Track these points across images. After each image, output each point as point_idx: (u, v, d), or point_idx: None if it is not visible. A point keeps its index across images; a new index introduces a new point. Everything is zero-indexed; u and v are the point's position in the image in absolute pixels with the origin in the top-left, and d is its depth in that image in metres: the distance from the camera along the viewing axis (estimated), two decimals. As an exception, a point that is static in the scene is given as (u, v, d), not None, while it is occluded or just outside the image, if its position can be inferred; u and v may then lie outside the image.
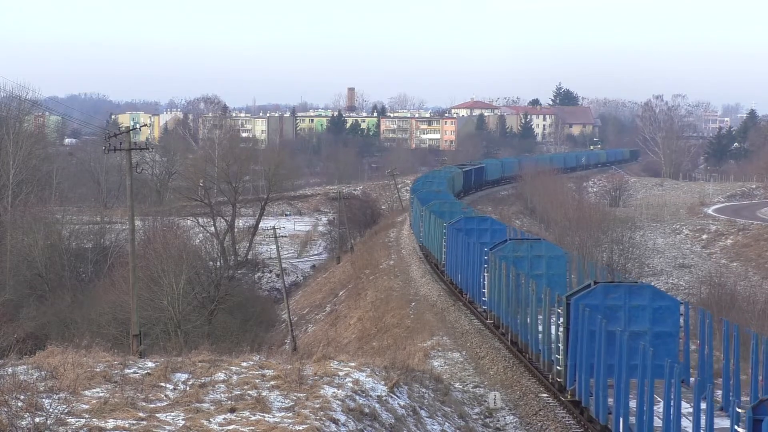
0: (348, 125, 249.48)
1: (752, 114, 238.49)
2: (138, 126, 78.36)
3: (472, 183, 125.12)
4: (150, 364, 29.85)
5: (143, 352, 40.37)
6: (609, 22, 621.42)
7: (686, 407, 24.00)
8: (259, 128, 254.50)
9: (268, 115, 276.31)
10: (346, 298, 78.48)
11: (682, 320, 30.81)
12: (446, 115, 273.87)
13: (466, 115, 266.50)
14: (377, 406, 28.65)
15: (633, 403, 25.31)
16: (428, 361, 43.91)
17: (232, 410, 24.99)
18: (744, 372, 29.78)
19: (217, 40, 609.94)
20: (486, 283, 45.78)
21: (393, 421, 28.50)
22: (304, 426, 24.13)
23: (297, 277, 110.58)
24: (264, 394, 26.78)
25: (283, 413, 25.24)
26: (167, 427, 23.23)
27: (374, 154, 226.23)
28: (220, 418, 24.23)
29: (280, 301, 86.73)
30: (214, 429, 23.39)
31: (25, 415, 22.21)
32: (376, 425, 27.38)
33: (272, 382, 28.29)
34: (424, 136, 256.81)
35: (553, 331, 33.50)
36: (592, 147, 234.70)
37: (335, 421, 25.47)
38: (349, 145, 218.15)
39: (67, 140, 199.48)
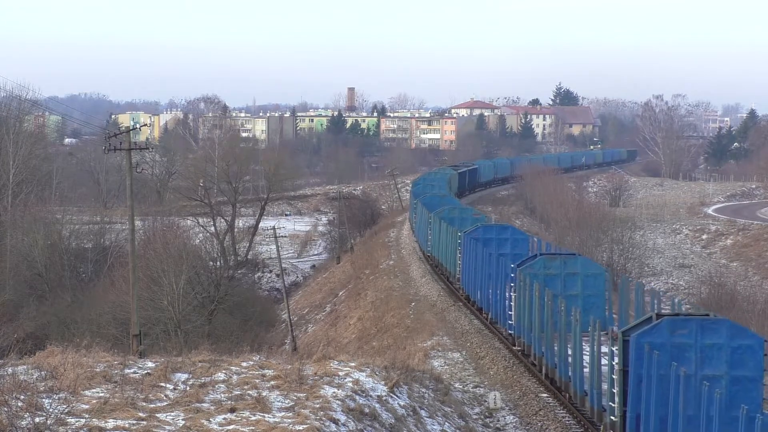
0: (348, 125, 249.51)
1: (752, 114, 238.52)
2: (138, 126, 78.23)
3: (466, 184, 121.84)
4: (150, 364, 29.84)
5: (143, 352, 40.36)
6: (609, 22, 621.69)
7: None
8: (259, 128, 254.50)
9: (268, 115, 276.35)
10: (346, 298, 78.47)
11: None
12: (446, 115, 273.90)
13: (466, 115, 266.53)
14: (377, 406, 28.65)
15: None
16: (428, 361, 43.89)
17: (232, 410, 24.99)
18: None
19: (217, 40, 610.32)
20: (512, 304, 40.25)
21: (393, 421, 28.50)
22: (304, 426, 24.13)
23: (297, 277, 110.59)
24: (264, 394, 26.78)
25: (283, 413, 25.24)
26: (167, 427, 23.23)
27: (374, 154, 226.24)
28: (220, 418, 24.23)
29: (280, 301, 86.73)
30: (214, 429, 23.39)
31: (25, 415, 22.21)
32: (376, 425, 27.38)
33: (272, 382, 28.28)
34: (424, 136, 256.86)
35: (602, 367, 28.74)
36: (592, 147, 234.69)
37: (335, 421, 25.47)
38: (349, 145, 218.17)
39: (67, 140, 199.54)
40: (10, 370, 26.58)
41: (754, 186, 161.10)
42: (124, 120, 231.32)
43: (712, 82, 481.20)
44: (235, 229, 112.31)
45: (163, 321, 58.02)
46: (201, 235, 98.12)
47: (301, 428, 23.96)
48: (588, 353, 30.12)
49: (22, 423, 21.73)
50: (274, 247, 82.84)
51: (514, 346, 40.95)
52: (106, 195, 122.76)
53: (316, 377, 29.31)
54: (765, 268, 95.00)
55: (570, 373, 32.09)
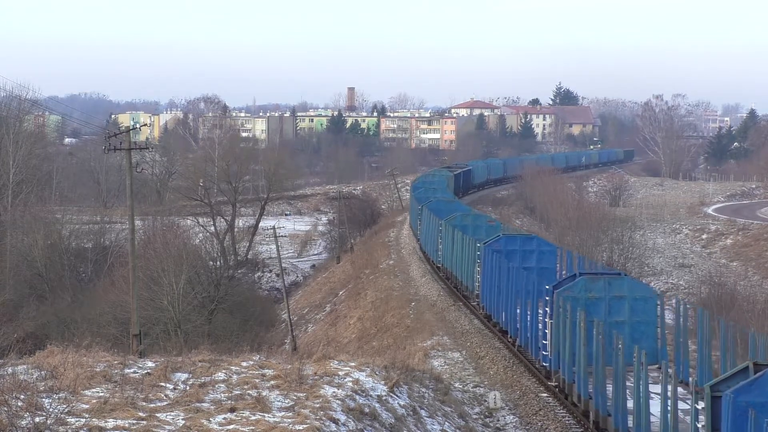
0: (348, 125, 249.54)
1: (752, 114, 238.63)
2: (138, 126, 78.40)
3: (460, 186, 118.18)
4: (150, 364, 29.85)
5: (143, 352, 40.36)
6: (609, 22, 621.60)
7: None
8: (259, 128, 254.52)
9: (268, 114, 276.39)
10: (346, 298, 78.48)
11: None
12: (446, 114, 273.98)
13: (466, 115, 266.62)
14: (377, 405, 28.65)
15: None
16: (428, 360, 43.89)
17: (232, 410, 24.99)
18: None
19: (217, 40, 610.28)
20: (548, 332, 34.04)
21: (393, 420, 28.50)
22: (304, 426, 24.13)
23: (297, 276, 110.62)
24: (264, 393, 26.78)
25: (283, 413, 25.24)
26: (167, 427, 23.23)
27: (374, 153, 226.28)
28: (220, 418, 24.23)
29: (280, 301, 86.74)
30: (214, 429, 23.39)
31: (25, 415, 22.21)
32: (376, 425, 27.38)
33: (272, 382, 28.28)
34: (424, 136, 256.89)
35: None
36: (592, 147, 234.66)
37: (335, 421, 25.47)
38: (349, 145, 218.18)
39: (67, 140, 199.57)
40: (10, 370, 26.58)
41: (754, 186, 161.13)
42: (124, 120, 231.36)
43: (712, 82, 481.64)
44: (235, 229, 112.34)
45: (163, 321, 58.03)
46: (201, 234, 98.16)
47: (301, 428, 23.96)
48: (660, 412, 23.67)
49: (22, 423, 21.73)
50: (274, 246, 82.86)
51: (550, 381, 34.85)
52: (106, 195, 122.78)
53: (316, 377, 29.32)
54: (765, 268, 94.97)
55: (636, 430, 24.88)
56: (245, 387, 27.58)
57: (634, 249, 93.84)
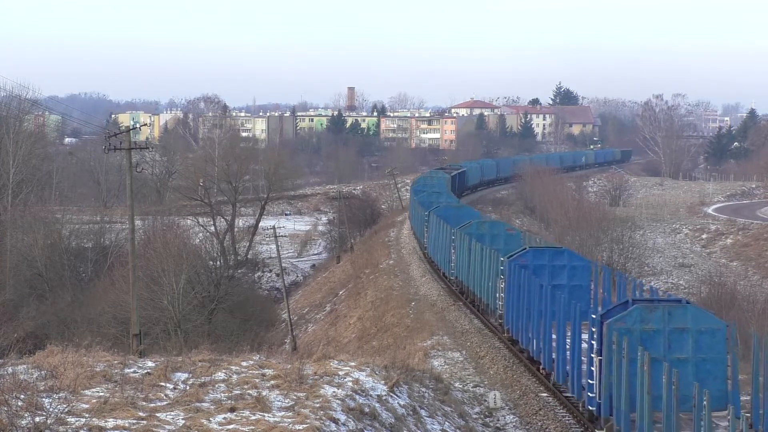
0: (348, 125, 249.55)
1: (752, 113, 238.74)
2: (138, 125, 78.39)
3: (456, 188, 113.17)
4: (150, 364, 29.85)
5: (143, 352, 40.36)
6: (609, 22, 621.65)
7: None
8: (259, 128, 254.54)
9: (268, 114, 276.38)
10: (346, 298, 78.48)
11: None
12: (446, 114, 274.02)
13: (466, 115, 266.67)
14: (377, 405, 28.65)
15: None
16: (428, 360, 43.89)
17: (232, 410, 24.99)
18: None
19: (217, 40, 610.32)
20: (595, 370, 28.69)
21: (393, 420, 28.50)
22: (304, 425, 24.13)
23: (297, 276, 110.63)
24: (264, 393, 26.78)
25: (283, 413, 25.24)
26: (167, 427, 23.23)
27: (374, 153, 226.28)
28: (220, 418, 24.23)
29: (280, 301, 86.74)
30: (214, 428, 23.39)
31: (25, 415, 22.21)
32: (376, 425, 27.38)
33: (272, 382, 28.28)
34: (424, 136, 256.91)
35: None
36: (592, 147, 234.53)
37: (335, 421, 25.47)
38: (349, 145, 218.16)
39: (67, 140, 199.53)
40: (10, 370, 26.58)
41: (754, 185, 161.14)
42: (124, 120, 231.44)
43: (712, 82, 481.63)
44: (235, 229, 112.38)
45: (163, 321, 58.03)
46: (201, 234, 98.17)
47: (301, 428, 23.96)
48: None
49: (22, 423, 21.73)
50: (274, 246, 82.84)
51: (599, 430, 28.92)
52: (106, 195, 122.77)
53: (316, 377, 29.31)
54: (765, 268, 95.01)
55: None
56: (245, 387, 27.57)
57: (634, 249, 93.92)
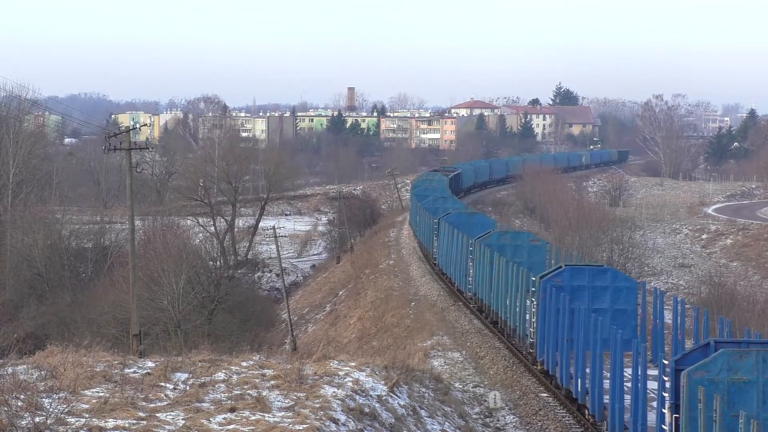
0: (348, 125, 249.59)
1: (752, 114, 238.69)
2: (138, 126, 78.44)
3: (452, 191, 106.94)
4: (150, 364, 29.85)
5: (143, 352, 40.37)
6: (609, 22, 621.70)
7: None
8: (259, 128, 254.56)
9: (268, 114, 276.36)
10: (346, 298, 78.48)
11: None
12: (446, 114, 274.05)
13: (466, 115, 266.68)
14: (377, 405, 28.66)
15: None
16: (428, 360, 43.89)
17: (232, 410, 24.99)
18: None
19: (217, 40, 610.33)
20: (667, 428, 22.84)
21: (393, 420, 28.50)
22: (304, 426, 24.13)
23: (297, 276, 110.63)
24: (264, 393, 26.79)
25: (283, 413, 25.24)
26: (167, 427, 23.23)
27: (374, 153, 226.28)
28: (220, 418, 24.23)
29: (280, 301, 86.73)
30: (214, 429, 23.40)
31: (25, 415, 22.22)
32: (376, 425, 27.39)
33: (272, 382, 28.29)
34: (424, 136, 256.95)
35: None
36: (592, 147, 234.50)
37: (335, 421, 25.48)
38: (349, 145, 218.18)
39: (67, 140, 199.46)
40: (10, 370, 26.59)
41: (754, 186, 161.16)
42: (124, 120, 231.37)
43: (712, 82, 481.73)
44: (235, 229, 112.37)
45: (163, 321, 58.01)
46: (201, 234, 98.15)
47: (301, 428, 23.97)
48: None
49: (22, 423, 21.74)
50: (274, 246, 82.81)
51: None
52: (106, 195, 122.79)
53: (316, 377, 29.32)
54: (765, 268, 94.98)
55: None
56: (245, 387, 27.58)
57: (634, 249, 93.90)
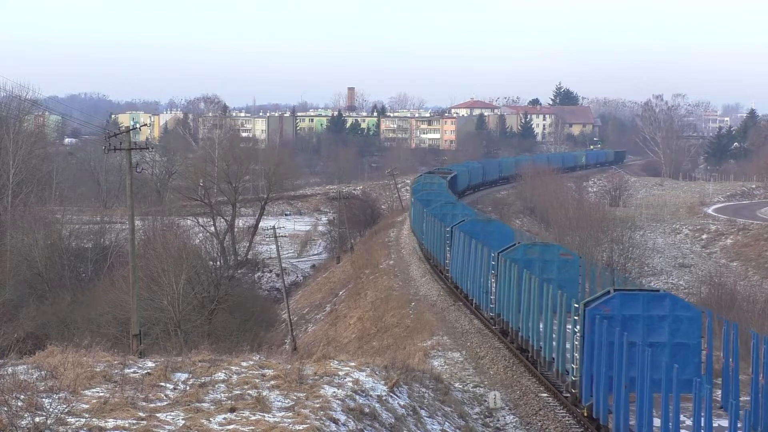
0: (348, 125, 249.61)
1: (752, 114, 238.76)
2: (138, 126, 78.15)
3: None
4: (150, 364, 29.85)
5: (143, 352, 40.36)
6: (609, 22, 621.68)
7: None
8: (259, 128, 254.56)
9: (268, 114, 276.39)
10: (346, 298, 78.49)
11: None
12: (446, 114, 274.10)
13: (466, 115, 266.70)
14: (377, 405, 28.66)
15: None
16: (428, 360, 43.90)
17: (232, 410, 25.00)
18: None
19: (217, 40, 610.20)
20: None
21: (393, 420, 28.50)
22: (304, 426, 24.13)
23: (297, 276, 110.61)
24: (264, 393, 26.79)
25: (283, 413, 25.24)
26: (167, 427, 23.23)
27: (374, 153, 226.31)
28: (220, 418, 24.23)
29: (280, 301, 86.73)
30: (214, 429, 23.40)
31: (25, 415, 22.22)
32: (376, 425, 27.39)
33: (272, 382, 28.29)
34: (424, 136, 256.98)
35: None
36: (592, 147, 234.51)
37: (335, 421, 25.48)
38: (349, 145, 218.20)
39: (67, 140, 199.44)
40: (10, 370, 26.59)
41: (754, 186, 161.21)
42: (124, 120, 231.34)
43: (712, 82, 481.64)
44: (235, 229, 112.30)
45: (163, 321, 58.01)
46: (201, 235, 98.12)
47: (301, 428, 23.97)
48: None
49: (22, 423, 21.74)
50: (274, 246, 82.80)
51: None
52: (106, 195, 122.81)
53: (316, 377, 29.32)
54: (765, 268, 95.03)
55: None
56: (245, 387, 27.58)
57: (634, 249, 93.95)
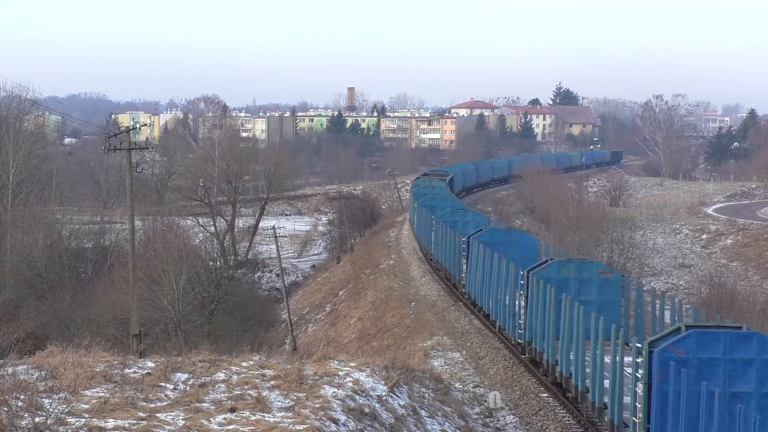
0: (348, 125, 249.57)
1: (752, 114, 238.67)
2: (138, 126, 78.24)
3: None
4: (150, 364, 29.85)
5: (143, 352, 40.35)
6: (609, 22, 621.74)
7: None
8: (259, 128, 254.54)
9: (268, 114, 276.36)
10: (346, 298, 78.47)
11: None
12: (446, 114, 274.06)
13: (466, 115, 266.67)
14: (377, 405, 28.65)
15: None
16: (428, 360, 43.89)
17: (232, 410, 24.99)
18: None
19: (217, 40, 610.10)
20: None
21: (393, 420, 28.50)
22: (304, 426, 24.13)
23: (297, 276, 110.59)
24: (264, 393, 26.79)
25: (283, 413, 25.24)
26: (167, 427, 23.23)
27: (374, 153, 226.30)
28: (220, 418, 24.23)
29: (280, 301, 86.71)
30: (214, 429, 23.39)
31: (25, 415, 22.21)
32: (376, 425, 27.38)
33: (272, 382, 28.28)
34: (424, 136, 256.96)
35: None
36: (592, 147, 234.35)
37: (335, 421, 25.48)
38: (349, 145, 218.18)
39: (67, 140, 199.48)
40: (10, 370, 26.58)
41: (754, 186, 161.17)
42: (124, 120, 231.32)
43: (712, 82, 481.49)
44: (235, 229, 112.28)
45: (163, 321, 58.00)
46: (201, 235, 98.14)
47: (301, 428, 23.96)
48: None
49: (22, 423, 21.73)
50: (274, 246, 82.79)
51: None
52: (106, 195, 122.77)
53: (316, 377, 29.32)
54: (765, 268, 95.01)
55: None
56: (245, 387, 27.58)
57: (634, 249, 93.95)
